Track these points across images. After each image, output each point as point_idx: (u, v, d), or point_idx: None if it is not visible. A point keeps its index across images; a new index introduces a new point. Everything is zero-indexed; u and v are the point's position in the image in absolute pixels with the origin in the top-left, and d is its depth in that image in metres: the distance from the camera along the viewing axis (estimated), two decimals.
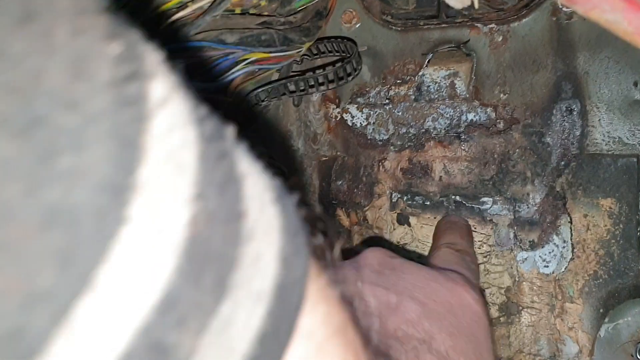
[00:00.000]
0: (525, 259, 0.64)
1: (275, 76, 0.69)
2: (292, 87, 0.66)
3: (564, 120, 0.63)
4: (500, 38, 0.66)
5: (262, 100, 0.66)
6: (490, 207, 0.65)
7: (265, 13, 0.60)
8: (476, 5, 0.41)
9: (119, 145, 0.17)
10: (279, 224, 0.22)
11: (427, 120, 0.69)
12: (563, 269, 0.63)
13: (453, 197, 0.67)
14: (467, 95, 0.67)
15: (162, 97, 0.19)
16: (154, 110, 0.18)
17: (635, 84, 0.61)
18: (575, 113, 0.63)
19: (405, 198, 0.69)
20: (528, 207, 0.64)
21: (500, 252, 0.65)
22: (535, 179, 0.64)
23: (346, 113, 0.73)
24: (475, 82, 0.67)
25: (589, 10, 0.33)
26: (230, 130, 0.22)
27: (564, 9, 0.63)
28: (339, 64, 0.66)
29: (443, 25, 0.68)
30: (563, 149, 0.63)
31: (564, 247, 0.63)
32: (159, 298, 0.18)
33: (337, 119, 0.73)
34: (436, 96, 0.68)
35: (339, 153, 0.74)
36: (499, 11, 0.66)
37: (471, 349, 0.43)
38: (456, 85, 0.67)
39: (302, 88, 0.66)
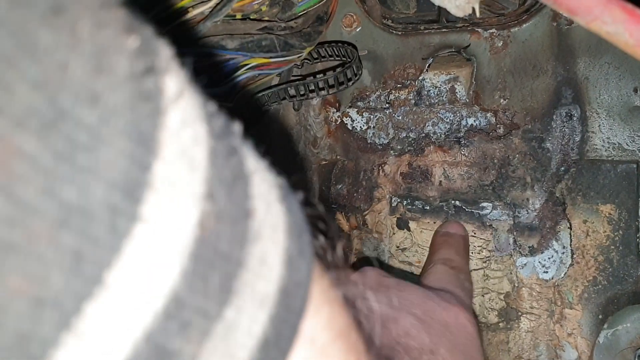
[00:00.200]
0: (525, 264, 0.64)
1: (276, 80, 0.69)
2: (292, 92, 0.66)
3: (564, 126, 0.63)
4: (501, 43, 0.66)
5: (263, 105, 0.66)
6: (489, 212, 0.65)
7: (266, 18, 0.60)
8: (477, 14, 0.41)
9: (135, 140, 0.17)
10: (285, 223, 0.22)
11: (427, 124, 0.69)
12: (562, 275, 0.63)
13: (453, 202, 0.67)
14: (467, 100, 0.67)
15: (176, 91, 0.18)
16: (169, 105, 0.18)
17: (635, 90, 0.61)
18: (575, 119, 0.63)
19: (405, 202, 0.69)
20: (528, 213, 0.64)
21: (500, 257, 0.65)
22: (535, 184, 0.64)
23: (346, 117, 0.73)
24: (475, 86, 0.67)
25: (590, 21, 0.33)
26: (237, 127, 0.21)
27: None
28: (339, 69, 0.66)
29: (443, 30, 0.68)
30: (563, 155, 0.63)
31: (563, 252, 0.63)
32: (165, 302, 0.17)
33: (337, 123, 0.73)
34: (436, 101, 0.68)
35: (338, 157, 0.74)
36: (500, 16, 0.66)
37: None
38: (456, 90, 0.68)
39: (302, 92, 0.66)
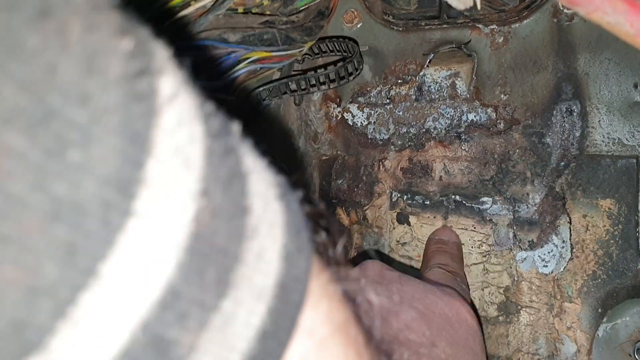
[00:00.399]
0: (525, 258, 0.64)
1: (277, 75, 0.69)
2: (293, 86, 0.67)
3: (564, 121, 0.63)
4: (501, 39, 0.67)
5: (264, 99, 0.66)
6: (490, 207, 0.66)
7: (268, 12, 0.60)
8: (478, 7, 0.42)
9: (128, 139, 0.17)
10: (283, 221, 0.22)
11: (427, 120, 0.69)
12: (562, 269, 0.63)
13: (453, 196, 0.67)
14: (468, 96, 0.67)
15: (171, 92, 0.19)
16: (164, 105, 0.18)
17: (635, 86, 0.61)
18: (575, 114, 0.63)
19: (405, 197, 0.69)
20: (528, 207, 0.64)
21: (500, 251, 0.65)
22: (535, 179, 0.64)
23: (347, 112, 0.73)
24: (476, 82, 0.67)
25: (591, 12, 0.34)
26: (236, 127, 0.22)
27: (565, 10, 0.63)
28: (340, 64, 0.66)
29: (444, 26, 0.68)
30: (563, 150, 0.63)
31: (563, 247, 0.63)
32: (161, 293, 0.18)
33: (338, 118, 0.74)
34: (437, 96, 0.69)
35: (339, 152, 0.74)
36: (500, 12, 0.66)
37: None
38: (457, 86, 0.68)
39: (303, 87, 0.67)
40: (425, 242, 0.67)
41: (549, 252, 0.63)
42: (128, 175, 0.17)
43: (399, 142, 0.70)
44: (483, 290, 0.65)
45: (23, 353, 0.16)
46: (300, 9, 0.63)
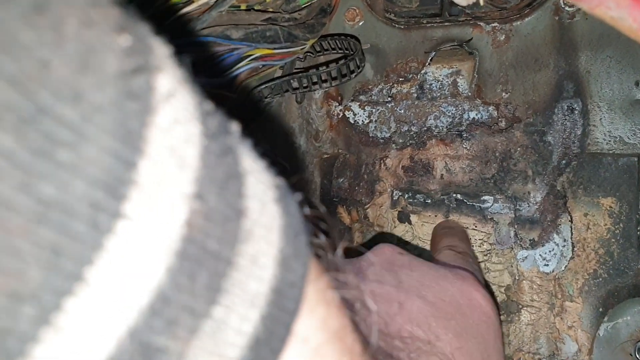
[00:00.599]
0: (526, 257, 0.64)
1: (279, 73, 0.69)
2: (295, 84, 0.67)
3: (566, 119, 0.63)
4: (503, 37, 0.67)
5: (265, 97, 0.66)
6: (491, 206, 0.65)
7: (270, 9, 0.60)
8: (481, 3, 0.42)
9: (121, 138, 0.17)
10: (280, 224, 0.22)
11: (429, 118, 0.69)
12: (563, 268, 0.63)
13: (454, 195, 0.67)
14: (470, 94, 0.67)
15: (168, 91, 0.18)
16: (159, 103, 0.18)
17: (637, 84, 0.61)
18: (576, 112, 0.63)
19: (406, 196, 0.69)
20: (529, 206, 0.64)
21: (501, 250, 0.65)
22: (536, 177, 0.64)
23: (348, 110, 0.73)
24: (477, 80, 0.67)
25: (594, 7, 0.34)
26: (235, 127, 0.21)
27: (567, 7, 0.63)
28: (342, 61, 0.66)
29: (446, 24, 0.68)
30: (564, 148, 0.63)
31: (564, 245, 0.63)
32: (150, 299, 0.17)
33: (339, 117, 0.74)
34: (438, 94, 0.69)
35: (340, 150, 0.74)
36: (502, 10, 0.66)
37: (479, 351, 0.43)
38: (458, 84, 0.68)
39: (305, 85, 0.67)
40: (426, 241, 0.67)
41: (550, 251, 0.63)
42: (119, 176, 0.17)
43: (400, 141, 0.70)
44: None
45: None
46: (303, 6, 0.63)
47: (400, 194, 0.69)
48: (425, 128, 0.69)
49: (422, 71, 0.69)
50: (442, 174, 0.68)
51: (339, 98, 0.74)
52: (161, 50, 0.19)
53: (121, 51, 0.17)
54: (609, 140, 0.62)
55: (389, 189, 0.70)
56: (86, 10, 0.17)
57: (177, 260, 0.18)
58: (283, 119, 0.76)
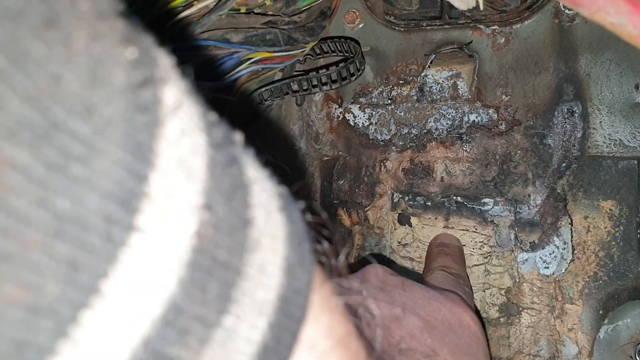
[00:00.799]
0: (526, 260, 0.64)
1: (279, 75, 0.69)
2: (295, 87, 0.67)
3: (566, 122, 0.63)
4: (503, 40, 0.67)
5: (265, 100, 0.66)
6: (491, 208, 0.65)
7: (270, 12, 0.60)
8: (481, 7, 0.42)
9: (131, 151, 0.17)
10: (285, 232, 0.22)
11: (429, 120, 0.69)
12: (563, 271, 0.63)
13: (454, 197, 0.67)
14: (470, 97, 0.67)
15: (174, 102, 0.18)
16: (167, 116, 0.18)
17: (637, 87, 0.61)
18: (576, 115, 0.63)
19: (406, 198, 0.69)
20: (529, 209, 0.64)
21: (501, 253, 0.65)
22: (536, 180, 0.64)
23: (348, 113, 0.73)
24: (477, 83, 0.67)
25: (594, 13, 0.34)
26: (238, 136, 0.21)
27: (567, 11, 0.63)
28: (342, 64, 0.66)
29: (446, 27, 0.68)
30: (564, 151, 0.63)
31: (564, 248, 0.63)
32: (163, 310, 0.17)
33: (339, 119, 0.74)
34: (438, 97, 0.69)
35: (340, 153, 0.74)
36: (502, 13, 0.66)
37: None
38: (458, 86, 0.68)
39: (305, 88, 0.67)
40: (426, 244, 0.67)
41: (550, 254, 0.63)
42: (131, 189, 0.17)
43: (401, 143, 0.70)
44: (484, 291, 0.65)
45: None
46: (303, 9, 0.63)
47: (400, 196, 0.69)
48: (426, 130, 0.69)
49: (422, 74, 0.69)
50: (442, 177, 0.68)
51: (339, 100, 0.74)
52: (165, 61, 0.19)
53: (128, 64, 0.17)
54: (609, 143, 0.62)
55: (389, 192, 0.70)
56: (94, 23, 0.17)
57: (189, 271, 0.18)
58: (283, 122, 0.76)
